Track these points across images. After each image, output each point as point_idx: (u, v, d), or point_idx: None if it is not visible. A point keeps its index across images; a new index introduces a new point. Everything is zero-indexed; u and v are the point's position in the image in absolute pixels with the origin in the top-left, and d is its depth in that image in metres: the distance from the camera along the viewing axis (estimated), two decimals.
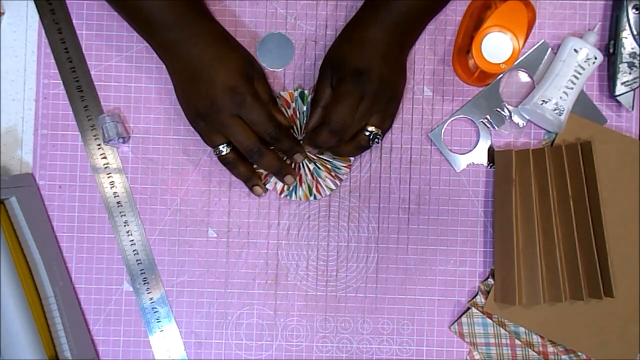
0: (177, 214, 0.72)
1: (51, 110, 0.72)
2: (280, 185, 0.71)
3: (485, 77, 0.71)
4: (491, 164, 0.73)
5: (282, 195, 0.71)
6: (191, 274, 0.72)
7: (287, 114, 0.71)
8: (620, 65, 0.71)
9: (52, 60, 0.72)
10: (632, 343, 0.71)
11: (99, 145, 0.72)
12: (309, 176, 0.71)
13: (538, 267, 0.68)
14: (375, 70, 0.65)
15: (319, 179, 0.71)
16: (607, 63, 0.72)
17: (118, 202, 0.72)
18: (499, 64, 0.66)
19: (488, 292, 0.72)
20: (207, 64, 0.65)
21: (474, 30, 0.69)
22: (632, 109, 0.72)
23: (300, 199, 0.72)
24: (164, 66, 0.69)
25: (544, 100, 0.69)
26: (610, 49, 0.71)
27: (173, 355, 0.72)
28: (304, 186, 0.71)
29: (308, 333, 0.72)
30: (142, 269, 0.72)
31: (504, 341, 0.71)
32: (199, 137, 0.69)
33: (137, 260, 0.72)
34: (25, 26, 0.73)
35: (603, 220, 0.68)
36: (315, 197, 0.71)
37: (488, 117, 0.73)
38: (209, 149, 0.71)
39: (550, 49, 0.72)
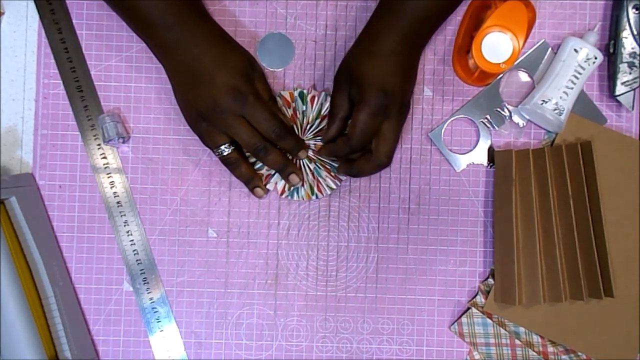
0: (177, 214, 0.72)
1: (51, 110, 0.72)
2: (280, 185, 0.71)
3: (485, 77, 0.71)
4: (491, 164, 0.73)
5: (284, 196, 0.71)
6: (191, 274, 0.72)
7: (288, 113, 0.71)
8: (620, 65, 0.71)
9: (52, 60, 0.72)
10: (632, 343, 0.71)
11: (99, 145, 0.72)
12: (310, 176, 0.71)
13: (538, 267, 0.68)
14: (397, 88, 0.65)
15: (320, 178, 0.71)
16: (607, 63, 0.72)
17: (118, 202, 0.72)
18: (499, 64, 0.66)
19: (488, 292, 0.72)
20: (208, 64, 0.65)
21: (474, 30, 0.69)
22: (632, 109, 0.72)
23: (303, 199, 0.72)
24: None
25: (544, 100, 0.69)
26: (611, 48, 0.71)
27: (173, 355, 0.72)
28: (306, 186, 0.71)
29: (308, 333, 0.72)
30: (142, 269, 0.72)
31: (504, 341, 0.71)
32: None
33: (137, 260, 0.72)
34: (25, 26, 0.73)
35: (603, 220, 0.68)
36: (317, 197, 0.71)
37: (488, 117, 0.73)
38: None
39: (550, 49, 0.72)
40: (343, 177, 0.71)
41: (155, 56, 0.69)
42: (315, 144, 0.71)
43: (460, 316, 0.72)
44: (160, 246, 0.72)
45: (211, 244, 0.72)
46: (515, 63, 0.73)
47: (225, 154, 0.68)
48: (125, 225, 0.72)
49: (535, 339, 0.72)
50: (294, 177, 0.69)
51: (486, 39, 0.66)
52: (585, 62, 0.69)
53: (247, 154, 0.70)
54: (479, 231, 0.73)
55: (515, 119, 0.73)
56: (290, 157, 0.70)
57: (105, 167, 0.72)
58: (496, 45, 0.66)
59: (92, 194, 0.72)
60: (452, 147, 0.73)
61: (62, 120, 0.72)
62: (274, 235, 0.73)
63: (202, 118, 0.66)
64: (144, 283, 0.72)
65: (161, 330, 0.72)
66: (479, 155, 0.73)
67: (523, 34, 0.66)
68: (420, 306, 0.72)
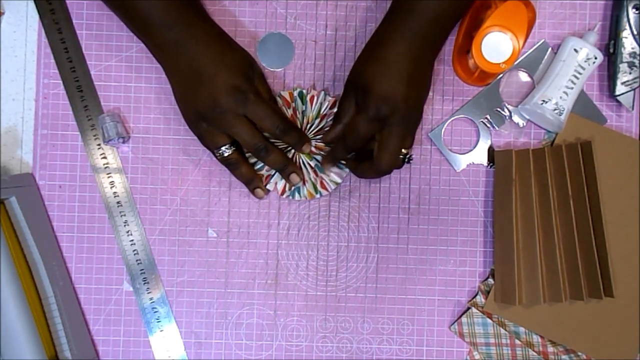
0: (177, 214, 0.72)
1: (51, 110, 0.72)
2: (281, 185, 0.71)
3: (485, 77, 0.71)
4: (491, 164, 0.73)
5: (285, 196, 0.71)
6: (191, 274, 0.72)
7: (287, 113, 0.71)
8: (620, 65, 0.71)
9: (52, 60, 0.72)
10: (632, 343, 0.71)
11: (99, 145, 0.72)
12: (312, 174, 0.71)
13: (538, 267, 0.68)
14: (399, 97, 0.63)
15: (323, 175, 0.71)
16: (607, 63, 0.72)
17: (118, 202, 0.72)
18: (499, 63, 0.66)
19: (488, 292, 0.72)
20: (207, 64, 0.65)
21: (474, 30, 0.69)
22: (632, 109, 0.72)
23: (305, 198, 0.71)
24: None
25: (544, 100, 0.69)
26: (611, 48, 0.71)
27: (173, 355, 0.72)
28: (308, 184, 0.71)
29: (308, 333, 0.72)
30: (142, 269, 0.72)
31: (504, 341, 0.71)
32: None
33: (137, 260, 0.72)
34: (25, 26, 0.73)
35: (603, 220, 0.68)
36: (320, 194, 0.71)
37: (488, 117, 0.73)
38: None
39: (550, 49, 0.72)
40: (346, 170, 0.71)
41: (154, 57, 0.68)
42: (315, 144, 0.71)
43: (460, 316, 0.72)
44: (160, 246, 0.72)
45: (211, 244, 0.72)
46: (515, 63, 0.73)
47: (225, 154, 0.67)
48: (125, 225, 0.72)
49: (535, 339, 0.72)
50: (294, 177, 0.69)
51: (486, 39, 0.66)
52: (585, 62, 0.69)
53: (247, 154, 0.70)
54: (479, 231, 0.73)
55: (515, 119, 0.73)
56: (291, 156, 0.70)
57: (105, 167, 0.72)
58: (496, 45, 0.66)
59: (92, 194, 0.72)
60: (452, 147, 0.73)
61: (62, 120, 0.72)
62: (274, 235, 0.73)
63: (202, 119, 0.66)
64: (144, 283, 0.72)
65: (161, 330, 0.72)
66: (479, 155, 0.73)
67: (523, 34, 0.66)
68: (420, 306, 0.72)
